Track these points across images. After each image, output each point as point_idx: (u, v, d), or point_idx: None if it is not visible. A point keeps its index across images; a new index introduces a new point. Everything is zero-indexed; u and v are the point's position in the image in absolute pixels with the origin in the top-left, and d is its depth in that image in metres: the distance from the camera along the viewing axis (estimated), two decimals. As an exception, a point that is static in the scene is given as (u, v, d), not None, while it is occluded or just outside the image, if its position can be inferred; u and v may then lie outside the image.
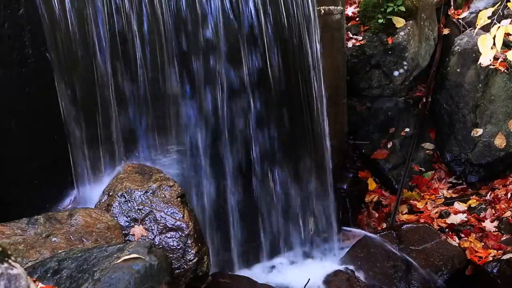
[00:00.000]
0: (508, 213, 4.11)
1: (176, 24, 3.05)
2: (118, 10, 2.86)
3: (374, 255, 3.68)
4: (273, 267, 3.67)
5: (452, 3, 5.13)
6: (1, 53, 2.58)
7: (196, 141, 3.27)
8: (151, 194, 2.70)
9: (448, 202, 4.44)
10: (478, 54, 3.33)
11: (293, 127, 3.65)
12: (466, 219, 4.19)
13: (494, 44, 2.59)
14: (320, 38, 3.60)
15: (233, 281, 3.20)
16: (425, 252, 3.65)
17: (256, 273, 3.52)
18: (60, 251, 2.25)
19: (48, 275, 2.01)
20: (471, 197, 4.44)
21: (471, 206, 4.32)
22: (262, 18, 3.28)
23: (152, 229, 2.60)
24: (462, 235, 4.06)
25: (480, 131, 4.55)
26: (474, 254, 3.78)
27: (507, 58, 3.76)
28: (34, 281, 1.63)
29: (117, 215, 2.64)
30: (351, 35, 4.69)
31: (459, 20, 5.05)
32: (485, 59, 2.67)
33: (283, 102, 3.55)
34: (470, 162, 4.57)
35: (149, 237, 2.57)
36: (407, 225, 3.94)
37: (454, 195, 4.54)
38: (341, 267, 3.62)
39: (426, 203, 4.46)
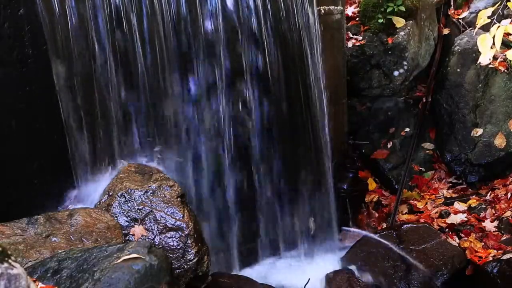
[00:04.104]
0: (508, 213, 4.10)
1: (176, 23, 3.05)
2: (118, 10, 2.86)
3: (374, 255, 3.68)
4: (273, 267, 3.67)
5: (452, 3, 5.13)
6: (1, 53, 2.58)
7: (196, 141, 3.27)
8: (151, 194, 2.70)
9: (448, 202, 4.44)
10: (478, 54, 3.32)
11: (293, 127, 3.65)
12: (466, 219, 4.19)
13: (493, 43, 2.59)
14: (320, 38, 3.60)
15: (233, 281, 3.20)
16: (425, 252, 3.64)
17: (256, 273, 3.52)
18: (60, 251, 2.25)
19: (48, 275, 2.01)
20: (471, 197, 4.43)
21: (471, 206, 4.32)
22: (262, 18, 3.28)
23: (152, 229, 2.60)
24: (462, 235, 4.06)
25: (480, 131, 4.55)
26: (474, 254, 3.77)
27: (506, 58, 3.76)
28: (34, 281, 1.63)
29: (117, 215, 2.64)
30: (351, 35, 4.69)
31: (459, 20, 5.05)
32: (485, 59, 2.67)
33: (283, 102, 3.55)
34: (470, 162, 4.57)
35: (149, 237, 2.57)
36: (407, 225, 3.94)
37: (454, 195, 4.54)
38: (341, 267, 3.62)
39: (426, 203, 4.45)
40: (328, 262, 3.75)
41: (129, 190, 2.71)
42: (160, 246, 2.54)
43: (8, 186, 2.69)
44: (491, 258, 3.64)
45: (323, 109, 3.72)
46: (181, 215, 2.64)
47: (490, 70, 4.54)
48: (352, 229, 4.16)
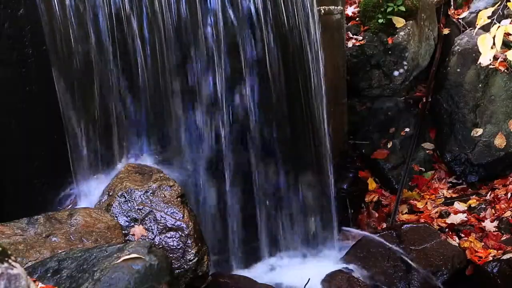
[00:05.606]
0: (508, 213, 4.10)
1: (176, 24, 3.05)
2: (118, 10, 2.86)
3: (374, 255, 3.68)
4: (273, 267, 3.67)
5: (452, 3, 5.13)
6: (1, 53, 2.58)
7: (195, 140, 3.27)
8: (151, 194, 2.70)
9: (448, 202, 4.43)
10: (478, 54, 3.32)
11: (293, 127, 3.65)
12: (466, 219, 4.18)
13: (494, 43, 2.59)
14: (320, 38, 3.60)
15: (233, 281, 3.20)
16: (425, 252, 3.64)
17: (256, 273, 3.52)
18: (60, 251, 2.25)
19: (48, 275, 2.01)
20: (471, 197, 4.43)
21: (471, 206, 4.32)
22: (262, 18, 3.28)
23: (152, 229, 2.61)
24: (462, 235, 4.05)
25: (480, 131, 4.55)
26: (474, 254, 3.77)
27: (507, 58, 3.76)
28: (34, 281, 1.63)
29: (117, 215, 2.64)
30: (351, 35, 4.69)
31: (459, 20, 5.05)
32: (485, 59, 2.67)
33: (283, 102, 3.55)
34: (470, 162, 4.56)
35: (149, 237, 2.57)
36: (407, 225, 3.93)
37: (454, 195, 4.53)
38: (341, 267, 3.61)
39: (426, 203, 4.45)
40: (328, 262, 3.75)
41: (129, 190, 2.71)
42: (160, 246, 2.54)
43: (8, 186, 2.70)
44: (491, 258, 3.64)
45: (323, 109, 3.72)
46: (181, 215, 2.64)
47: (490, 70, 4.54)
48: (352, 229, 4.16)
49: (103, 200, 2.74)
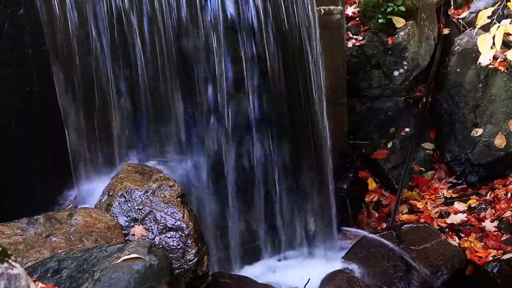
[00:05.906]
0: (508, 213, 4.10)
1: (176, 24, 3.05)
2: (118, 9, 2.87)
3: (374, 255, 3.68)
4: (273, 267, 3.67)
5: (452, 3, 5.13)
6: (1, 53, 2.58)
7: (195, 140, 3.27)
8: (151, 194, 2.70)
9: (448, 202, 4.43)
10: (478, 54, 3.32)
11: (293, 127, 3.65)
12: (466, 219, 4.18)
13: (494, 43, 2.59)
14: (320, 38, 3.60)
15: (233, 281, 3.20)
16: (425, 252, 3.64)
17: (256, 273, 3.52)
18: (60, 251, 2.25)
19: (48, 275, 2.01)
20: (471, 197, 4.43)
21: (471, 206, 4.32)
22: (262, 18, 3.28)
23: (152, 229, 2.61)
24: (462, 235, 4.05)
25: (480, 131, 4.55)
26: (474, 254, 3.77)
27: (507, 58, 3.76)
28: (34, 281, 1.63)
29: (117, 215, 2.64)
30: (351, 35, 4.69)
31: (459, 20, 5.05)
32: (485, 59, 2.66)
33: (283, 103, 3.55)
34: (470, 162, 4.56)
35: (149, 237, 2.57)
36: (407, 225, 3.94)
37: (454, 195, 4.53)
38: (341, 267, 3.62)
39: (426, 203, 4.45)
40: (328, 262, 3.75)
41: (129, 190, 2.71)
42: (160, 246, 2.54)
43: (8, 186, 2.69)
44: (491, 258, 3.64)
45: (323, 109, 3.72)
46: (181, 215, 2.64)
47: (490, 70, 4.54)
48: (352, 229, 4.16)
49: (103, 200, 2.74)
